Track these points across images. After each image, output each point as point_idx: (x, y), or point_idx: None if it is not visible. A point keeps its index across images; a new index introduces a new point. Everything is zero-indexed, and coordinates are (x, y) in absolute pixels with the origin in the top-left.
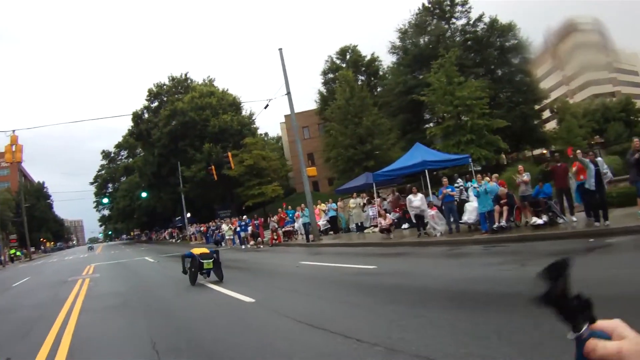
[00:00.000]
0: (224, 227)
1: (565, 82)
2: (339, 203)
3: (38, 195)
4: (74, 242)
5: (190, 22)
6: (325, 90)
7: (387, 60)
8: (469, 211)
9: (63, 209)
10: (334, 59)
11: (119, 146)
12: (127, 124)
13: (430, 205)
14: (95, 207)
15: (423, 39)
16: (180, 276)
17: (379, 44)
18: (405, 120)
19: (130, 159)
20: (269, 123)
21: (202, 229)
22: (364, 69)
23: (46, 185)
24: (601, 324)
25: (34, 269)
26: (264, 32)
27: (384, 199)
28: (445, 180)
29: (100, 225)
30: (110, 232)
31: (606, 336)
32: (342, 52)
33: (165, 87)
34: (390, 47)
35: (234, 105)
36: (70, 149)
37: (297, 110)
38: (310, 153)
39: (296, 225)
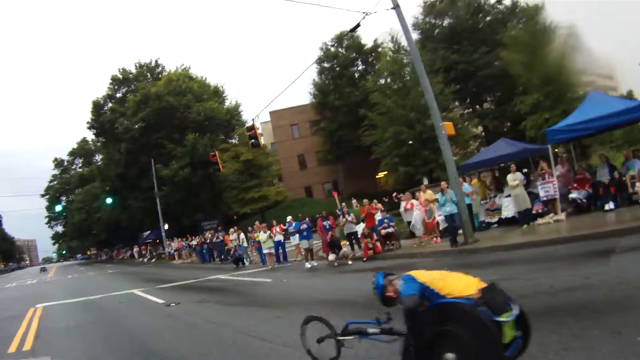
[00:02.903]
0: (233, 236)
1: None
2: (468, 186)
3: None
4: (27, 263)
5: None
6: (321, 80)
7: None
8: None
9: (15, 229)
10: (329, 47)
11: (73, 153)
12: (82, 133)
13: None
14: (47, 223)
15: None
16: None
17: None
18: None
19: (87, 168)
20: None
21: (193, 242)
22: (367, 56)
23: None
24: None
25: None
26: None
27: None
28: None
29: (54, 244)
30: (64, 252)
31: None
32: (339, 39)
33: (132, 75)
34: (416, 22)
35: (217, 94)
36: (20, 165)
37: (283, 106)
38: (301, 154)
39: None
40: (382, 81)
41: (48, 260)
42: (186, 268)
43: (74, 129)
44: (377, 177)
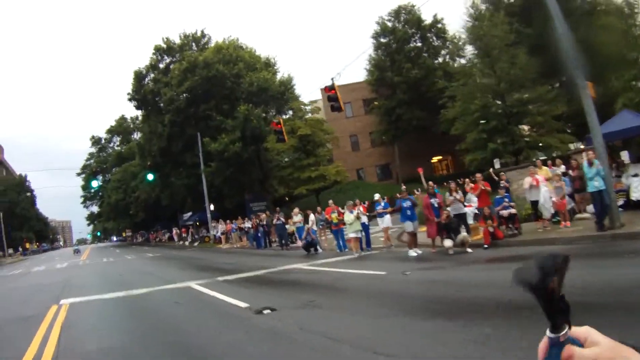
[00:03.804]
0: (297, 218)
1: None
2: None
3: (19, 189)
4: (60, 244)
5: None
6: (378, 56)
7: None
8: None
9: (50, 210)
10: (386, 21)
11: (110, 131)
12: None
13: None
14: (82, 203)
15: None
16: None
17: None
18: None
19: (125, 146)
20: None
21: (246, 224)
22: (426, 32)
23: (29, 179)
24: (574, 330)
25: None
26: None
27: None
28: None
29: (88, 225)
30: (98, 233)
31: (578, 343)
32: (396, 14)
33: (176, 45)
34: None
35: (269, 66)
36: (57, 147)
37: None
38: (354, 134)
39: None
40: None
41: (82, 241)
42: (240, 254)
43: (113, 110)
44: (431, 160)
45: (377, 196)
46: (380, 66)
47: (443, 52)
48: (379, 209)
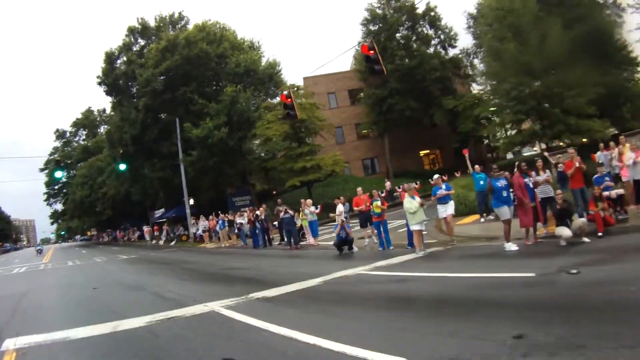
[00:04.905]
0: (340, 207)
1: None
2: None
3: None
4: (24, 243)
5: None
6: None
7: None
8: None
9: (13, 208)
10: (375, 8)
11: (76, 124)
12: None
13: None
14: (46, 200)
15: None
16: None
17: None
18: None
19: (91, 139)
20: None
21: (239, 220)
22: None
23: None
24: None
25: None
26: None
27: None
28: None
29: (52, 223)
30: (63, 232)
31: None
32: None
33: (151, 27)
34: None
35: (253, 49)
36: (22, 146)
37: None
38: (339, 126)
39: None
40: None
41: (46, 241)
42: (241, 255)
43: (78, 104)
44: (420, 154)
45: (436, 176)
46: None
47: (434, 41)
48: (441, 192)
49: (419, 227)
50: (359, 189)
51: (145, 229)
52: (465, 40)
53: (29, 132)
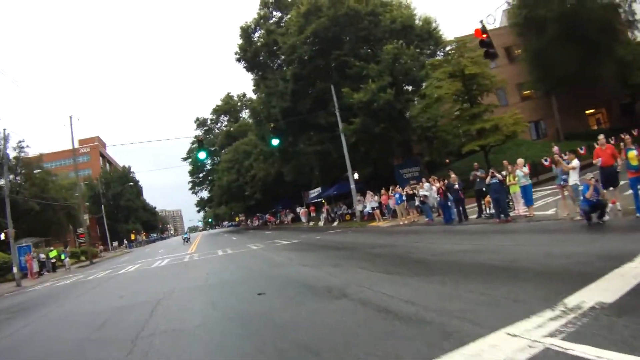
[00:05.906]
0: (575, 162)
1: None
2: None
3: (124, 181)
4: (171, 232)
5: None
6: None
7: None
8: None
9: (160, 200)
10: None
11: (216, 111)
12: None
13: None
14: (191, 189)
15: None
16: None
17: None
18: None
19: (234, 124)
20: None
21: (423, 192)
22: None
23: (132, 170)
24: None
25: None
26: None
27: None
28: None
29: (198, 211)
30: (210, 220)
31: None
32: None
33: None
34: None
35: (402, 7)
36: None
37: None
38: (499, 88)
39: None
40: None
41: (193, 229)
42: (439, 233)
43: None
44: (586, 112)
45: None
46: (527, 3)
47: None
48: None
49: None
50: (601, 136)
51: (301, 210)
52: None
53: (172, 128)
